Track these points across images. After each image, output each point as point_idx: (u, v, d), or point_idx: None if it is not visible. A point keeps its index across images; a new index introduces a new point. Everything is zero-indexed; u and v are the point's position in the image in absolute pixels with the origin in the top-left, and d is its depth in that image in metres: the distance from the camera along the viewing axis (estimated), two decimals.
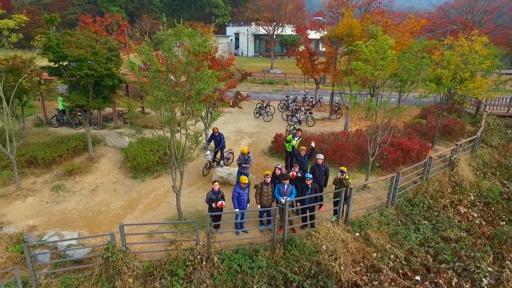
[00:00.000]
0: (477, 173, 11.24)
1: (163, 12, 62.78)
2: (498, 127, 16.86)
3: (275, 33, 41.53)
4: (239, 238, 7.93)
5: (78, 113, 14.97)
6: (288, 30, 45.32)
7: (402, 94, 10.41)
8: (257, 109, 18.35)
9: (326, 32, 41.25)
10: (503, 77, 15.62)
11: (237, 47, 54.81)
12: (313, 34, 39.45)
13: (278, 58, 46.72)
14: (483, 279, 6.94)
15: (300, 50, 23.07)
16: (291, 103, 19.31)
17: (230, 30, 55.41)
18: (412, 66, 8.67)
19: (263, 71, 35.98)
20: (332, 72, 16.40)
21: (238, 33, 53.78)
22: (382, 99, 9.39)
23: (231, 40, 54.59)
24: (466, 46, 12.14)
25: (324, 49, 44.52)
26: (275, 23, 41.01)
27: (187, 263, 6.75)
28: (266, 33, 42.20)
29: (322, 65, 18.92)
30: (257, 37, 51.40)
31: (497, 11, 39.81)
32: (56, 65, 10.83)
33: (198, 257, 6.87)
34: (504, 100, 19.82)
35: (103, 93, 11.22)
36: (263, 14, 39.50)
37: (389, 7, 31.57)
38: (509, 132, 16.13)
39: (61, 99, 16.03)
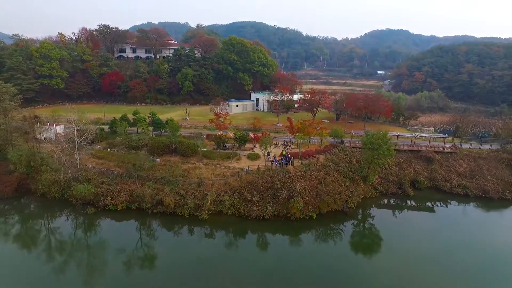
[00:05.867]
0: (324, 159, 51.33)
1: (213, 82, 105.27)
2: (344, 150, 56.77)
3: (280, 99, 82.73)
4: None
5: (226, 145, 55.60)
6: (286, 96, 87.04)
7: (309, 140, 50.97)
8: (274, 144, 58.78)
9: (309, 96, 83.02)
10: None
11: (257, 105, 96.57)
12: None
13: (281, 114, 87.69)
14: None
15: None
16: (285, 142, 59.71)
17: (253, 96, 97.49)
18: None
19: (273, 125, 76.86)
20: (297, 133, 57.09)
21: (258, 98, 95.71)
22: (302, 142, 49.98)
23: (254, 101, 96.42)
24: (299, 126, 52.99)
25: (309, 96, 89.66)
26: (279, 93, 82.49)
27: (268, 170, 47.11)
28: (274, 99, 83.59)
29: (296, 128, 59.52)
30: (269, 102, 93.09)
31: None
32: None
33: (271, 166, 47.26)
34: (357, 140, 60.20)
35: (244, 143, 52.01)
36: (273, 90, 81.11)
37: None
38: (337, 151, 56.06)
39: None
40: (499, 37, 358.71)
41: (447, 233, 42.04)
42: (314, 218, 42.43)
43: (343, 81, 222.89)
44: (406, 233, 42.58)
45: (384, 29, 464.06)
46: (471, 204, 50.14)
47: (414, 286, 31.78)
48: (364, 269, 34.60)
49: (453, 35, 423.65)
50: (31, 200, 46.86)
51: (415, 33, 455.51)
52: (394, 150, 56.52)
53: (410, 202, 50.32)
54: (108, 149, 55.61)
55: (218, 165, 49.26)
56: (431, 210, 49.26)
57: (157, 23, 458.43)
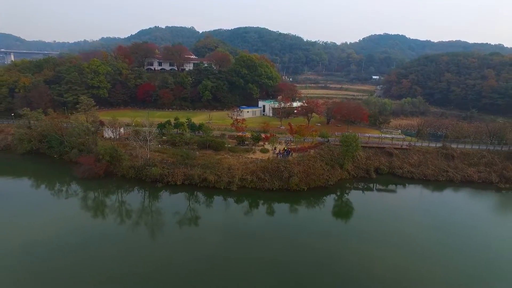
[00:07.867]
0: (314, 153, 73.52)
1: (227, 91, 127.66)
2: (329, 147, 78.92)
3: (282, 106, 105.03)
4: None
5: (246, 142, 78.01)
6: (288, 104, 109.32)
7: (304, 139, 73.27)
8: (278, 142, 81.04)
9: (305, 104, 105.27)
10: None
11: (264, 111, 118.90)
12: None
13: (283, 118, 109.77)
14: None
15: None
16: (286, 140, 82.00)
17: (260, 103, 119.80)
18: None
19: (277, 127, 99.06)
20: (295, 134, 79.36)
21: (264, 105, 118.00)
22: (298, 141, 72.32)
23: (261, 108, 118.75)
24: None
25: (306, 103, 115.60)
26: (282, 102, 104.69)
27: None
28: (278, 106, 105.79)
29: (295, 130, 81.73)
30: (274, 108, 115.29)
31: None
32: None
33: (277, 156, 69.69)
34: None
35: (258, 141, 74.42)
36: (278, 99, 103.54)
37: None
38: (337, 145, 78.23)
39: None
40: (489, 43, 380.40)
41: (395, 201, 64.48)
42: (305, 190, 64.68)
43: (340, 86, 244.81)
44: (368, 201, 64.85)
45: (382, 33, 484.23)
46: (415, 184, 72.41)
47: (371, 230, 53.70)
48: (338, 225, 56.92)
49: (447, 40, 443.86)
50: (115, 179, 69.24)
51: (411, 37, 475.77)
52: (367, 147, 79.06)
53: (373, 183, 72.58)
54: (159, 145, 78.07)
55: (240, 156, 71.54)
56: (392, 191, 71.45)
57: (164, 27, 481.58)
